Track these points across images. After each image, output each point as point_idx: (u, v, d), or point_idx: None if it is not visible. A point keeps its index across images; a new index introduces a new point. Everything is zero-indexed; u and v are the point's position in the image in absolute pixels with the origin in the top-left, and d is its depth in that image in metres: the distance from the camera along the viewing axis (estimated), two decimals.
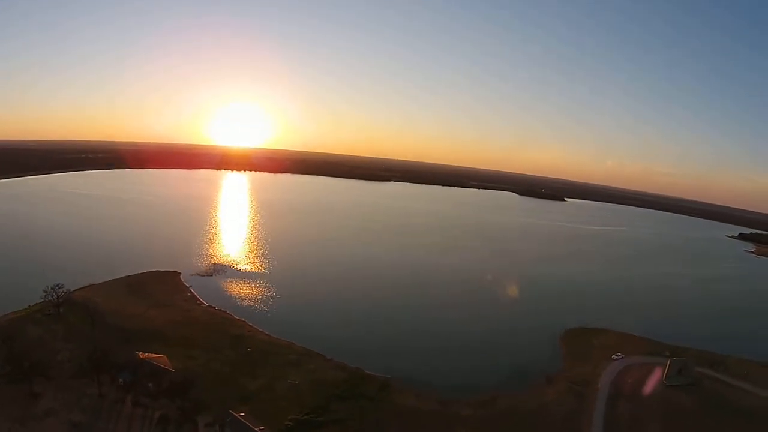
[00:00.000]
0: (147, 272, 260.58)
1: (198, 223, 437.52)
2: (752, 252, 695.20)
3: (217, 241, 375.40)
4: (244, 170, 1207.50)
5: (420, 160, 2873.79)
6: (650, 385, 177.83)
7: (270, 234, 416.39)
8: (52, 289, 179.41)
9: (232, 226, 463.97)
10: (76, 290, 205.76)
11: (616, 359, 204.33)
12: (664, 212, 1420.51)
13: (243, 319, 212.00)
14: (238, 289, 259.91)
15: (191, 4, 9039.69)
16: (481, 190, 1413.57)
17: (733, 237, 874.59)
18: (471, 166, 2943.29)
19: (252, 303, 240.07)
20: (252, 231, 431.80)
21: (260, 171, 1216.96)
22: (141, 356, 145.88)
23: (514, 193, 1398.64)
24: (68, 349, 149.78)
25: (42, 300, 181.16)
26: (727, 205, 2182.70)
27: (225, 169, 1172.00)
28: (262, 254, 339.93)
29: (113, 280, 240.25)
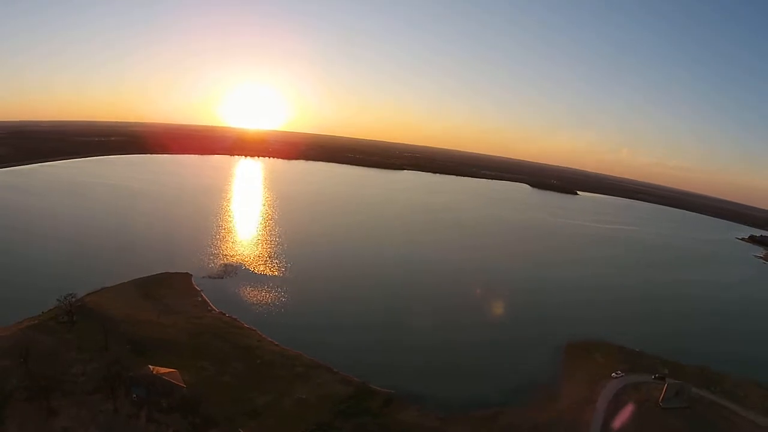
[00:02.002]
0: (158, 274, 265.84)
1: (209, 219, 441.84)
2: (761, 257, 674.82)
3: (228, 240, 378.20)
4: (258, 156, 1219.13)
5: (436, 146, 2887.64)
6: (646, 407, 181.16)
7: (283, 232, 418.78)
8: (65, 297, 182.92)
9: (245, 222, 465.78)
10: (87, 295, 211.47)
11: (616, 377, 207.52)
12: (678, 209, 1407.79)
13: (254, 328, 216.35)
14: (249, 293, 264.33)
15: None
16: (493, 180, 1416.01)
17: (743, 239, 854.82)
18: (487, 153, 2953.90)
19: (262, 309, 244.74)
20: (264, 228, 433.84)
21: (274, 157, 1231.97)
22: (154, 372, 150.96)
23: (527, 185, 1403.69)
24: (82, 362, 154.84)
25: (55, 307, 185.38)
26: (742, 202, 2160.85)
27: (238, 155, 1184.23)
28: (274, 255, 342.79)
29: (125, 283, 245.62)
